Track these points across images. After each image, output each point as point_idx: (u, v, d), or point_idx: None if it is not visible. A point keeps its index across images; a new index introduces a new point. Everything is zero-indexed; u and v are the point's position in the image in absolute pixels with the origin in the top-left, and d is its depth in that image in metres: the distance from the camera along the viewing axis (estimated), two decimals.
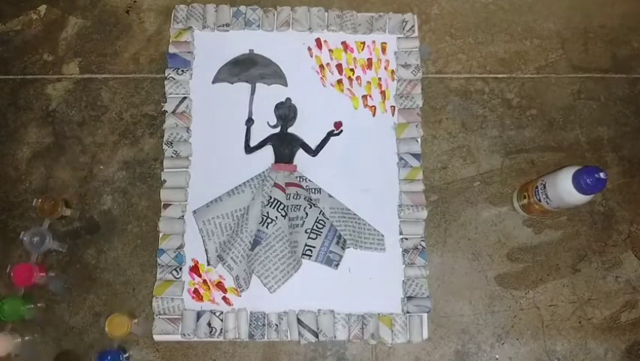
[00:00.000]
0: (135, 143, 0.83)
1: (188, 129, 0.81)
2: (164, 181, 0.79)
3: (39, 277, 0.76)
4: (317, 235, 0.76)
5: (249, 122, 0.83)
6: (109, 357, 0.72)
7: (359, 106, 0.84)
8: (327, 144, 0.82)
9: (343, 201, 0.80)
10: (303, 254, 0.76)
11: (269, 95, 0.84)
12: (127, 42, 0.88)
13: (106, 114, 0.85)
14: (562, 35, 0.89)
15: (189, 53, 0.84)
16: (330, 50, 0.86)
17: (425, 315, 0.75)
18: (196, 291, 0.76)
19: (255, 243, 0.76)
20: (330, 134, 0.82)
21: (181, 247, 0.77)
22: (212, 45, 0.85)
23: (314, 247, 0.76)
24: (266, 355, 0.76)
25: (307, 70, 0.85)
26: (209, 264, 0.77)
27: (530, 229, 0.81)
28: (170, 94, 0.83)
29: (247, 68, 0.85)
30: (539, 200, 0.74)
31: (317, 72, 0.85)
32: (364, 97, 0.84)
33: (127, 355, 0.75)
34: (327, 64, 0.85)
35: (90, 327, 0.77)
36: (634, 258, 0.80)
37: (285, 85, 0.84)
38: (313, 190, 0.80)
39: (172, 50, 0.84)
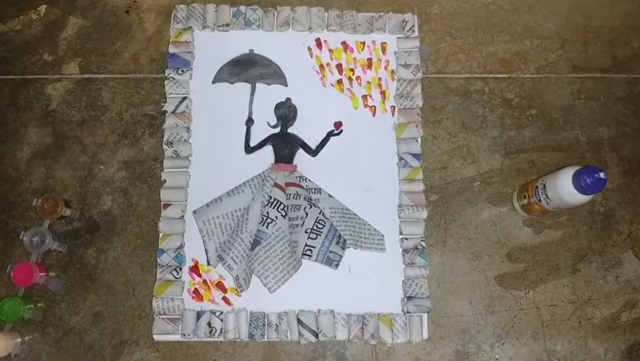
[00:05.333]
0: (135, 143, 0.83)
1: (188, 129, 0.81)
2: (164, 181, 0.79)
3: (39, 277, 0.76)
4: (317, 235, 0.76)
5: (249, 122, 0.83)
6: None
7: (359, 106, 0.84)
8: (327, 144, 0.82)
9: (343, 201, 0.80)
10: (303, 254, 0.76)
11: (269, 95, 0.84)
12: (127, 42, 0.88)
13: (106, 114, 0.85)
14: (562, 35, 0.88)
15: (189, 53, 0.84)
16: (330, 50, 0.86)
17: (425, 315, 0.75)
18: (196, 291, 0.76)
19: (255, 243, 0.76)
20: (330, 134, 0.82)
21: (181, 247, 0.77)
22: (212, 45, 0.85)
23: (314, 247, 0.76)
24: (266, 355, 0.76)
25: (307, 70, 0.85)
26: (209, 264, 0.77)
27: (530, 229, 0.81)
28: (170, 94, 0.83)
29: (247, 68, 0.85)
30: (539, 200, 0.74)
31: (317, 72, 0.85)
32: (364, 97, 0.84)
33: None
34: (327, 64, 0.85)
35: (90, 327, 0.77)
36: (634, 258, 0.80)
37: (285, 85, 0.84)
38: (313, 190, 0.80)
39: (172, 50, 0.84)
